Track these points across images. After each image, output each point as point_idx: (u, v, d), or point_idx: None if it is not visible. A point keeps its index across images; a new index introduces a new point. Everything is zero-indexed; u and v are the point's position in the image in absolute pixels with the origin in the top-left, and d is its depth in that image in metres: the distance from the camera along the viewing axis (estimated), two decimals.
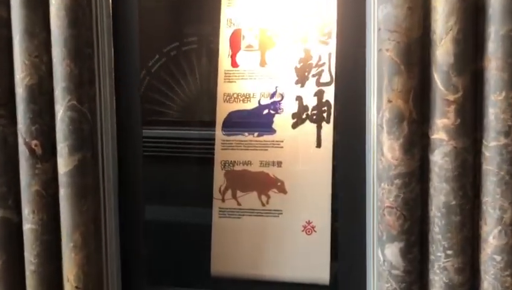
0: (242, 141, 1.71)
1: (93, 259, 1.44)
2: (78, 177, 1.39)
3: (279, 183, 1.68)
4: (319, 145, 1.65)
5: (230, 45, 1.73)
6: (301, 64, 1.66)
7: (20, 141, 1.41)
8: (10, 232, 1.45)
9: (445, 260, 1.19)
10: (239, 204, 1.72)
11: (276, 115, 1.68)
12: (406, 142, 1.18)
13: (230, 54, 1.73)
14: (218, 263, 1.72)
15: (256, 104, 1.70)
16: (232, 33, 1.73)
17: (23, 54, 1.37)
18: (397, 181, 1.19)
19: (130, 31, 1.46)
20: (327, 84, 1.64)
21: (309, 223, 1.66)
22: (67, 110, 1.37)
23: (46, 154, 1.41)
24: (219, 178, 1.73)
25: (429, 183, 1.20)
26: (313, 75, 1.65)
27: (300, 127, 1.67)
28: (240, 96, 1.72)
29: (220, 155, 1.73)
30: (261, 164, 1.69)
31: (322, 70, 1.64)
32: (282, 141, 1.68)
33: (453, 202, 1.17)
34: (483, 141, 1.16)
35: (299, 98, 1.67)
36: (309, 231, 1.66)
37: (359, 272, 1.37)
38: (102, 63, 1.43)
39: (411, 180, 1.19)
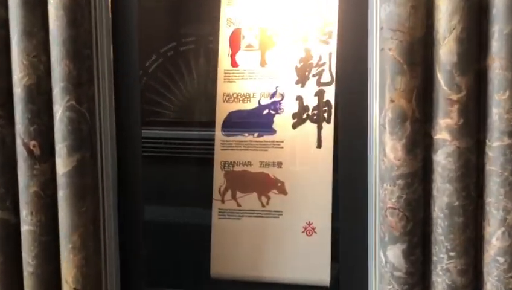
0: (242, 141, 1.71)
1: (92, 260, 1.43)
2: (77, 177, 1.39)
3: (279, 184, 1.68)
4: (319, 145, 1.64)
5: (230, 45, 1.72)
6: (301, 64, 1.66)
7: (18, 141, 1.40)
8: (8, 233, 1.44)
9: (448, 262, 1.19)
10: (239, 205, 1.71)
11: (277, 115, 1.68)
12: (409, 143, 1.17)
13: (230, 53, 1.72)
14: (217, 265, 1.71)
15: (256, 104, 1.70)
16: (232, 33, 1.72)
17: (21, 54, 1.36)
18: (400, 182, 1.19)
19: (129, 30, 1.45)
20: (328, 84, 1.64)
21: (309, 224, 1.66)
22: (66, 110, 1.36)
23: (45, 155, 1.40)
24: (219, 179, 1.73)
25: (432, 184, 1.19)
26: (314, 75, 1.65)
27: (301, 127, 1.66)
28: (239, 97, 1.71)
29: (220, 156, 1.72)
30: (261, 164, 1.69)
31: (323, 70, 1.64)
32: (282, 142, 1.68)
33: (456, 203, 1.17)
34: (487, 141, 1.15)
35: (299, 98, 1.66)
36: (309, 232, 1.66)
37: (360, 273, 1.36)
38: (101, 63, 1.43)
39: (414, 181, 1.19)
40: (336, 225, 1.56)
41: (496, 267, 1.16)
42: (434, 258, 1.21)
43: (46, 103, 1.38)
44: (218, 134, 1.72)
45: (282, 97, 1.68)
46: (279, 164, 1.68)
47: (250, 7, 1.72)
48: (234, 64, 1.72)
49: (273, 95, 1.68)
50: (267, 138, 1.68)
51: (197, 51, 2.02)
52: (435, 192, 1.19)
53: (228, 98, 1.72)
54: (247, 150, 1.70)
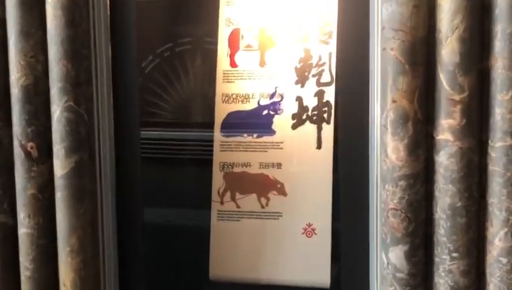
0: (241, 142, 1.70)
1: (90, 264, 1.42)
2: (75, 179, 1.38)
3: (279, 185, 1.67)
4: (319, 146, 1.64)
5: (229, 45, 1.71)
6: (301, 64, 1.65)
7: (16, 143, 1.39)
8: (5, 236, 1.43)
9: (450, 263, 1.18)
10: (238, 206, 1.70)
11: (276, 116, 1.67)
12: (411, 143, 1.17)
13: (229, 53, 1.71)
14: (216, 267, 1.70)
15: (256, 105, 1.69)
16: (231, 33, 1.71)
17: (18, 54, 1.35)
18: (402, 183, 1.18)
19: (128, 30, 1.45)
20: (327, 84, 1.63)
21: (309, 225, 1.65)
22: (63, 111, 1.35)
23: (42, 157, 1.39)
24: (218, 180, 1.72)
25: (434, 184, 1.19)
26: (313, 75, 1.64)
27: (301, 128, 1.65)
28: (238, 97, 1.70)
29: (219, 157, 1.72)
30: (260, 165, 1.68)
31: (323, 70, 1.63)
32: (282, 142, 1.67)
33: (459, 204, 1.16)
34: (489, 142, 1.15)
35: (299, 99, 1.65)
36: (309, 234, 1.65)
37: (362, 275, 1.35)
38: (99, 63, 1.42)
39: (416, 182, 1.18)
40: (337, 226, 1.56)
41: (499, 268, 1.15)
42: (436, 260, 1.20)
43: (43, 103, 1.37)
44: (217, 135, 1.71)
45: (282, 98, 1.67)
46: (279, 165, 1.67)
47: (249, 7, 1.71)
48: (233, 64, 1.71)
49: (272, 96, 1.68)
50: (266, 138, 1.68)
51: (197, 51, 2.01)
52: (437, 193, 1.18)
53: (227, 98, 1.71)
54: (247, 151, 1.69)
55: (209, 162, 1.73)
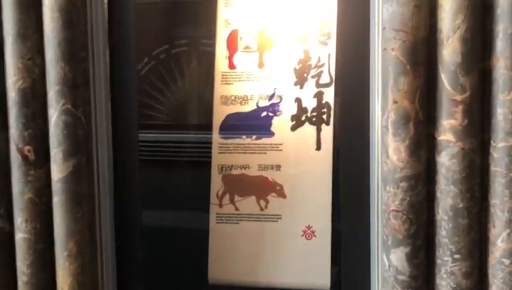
0: (240, 144, 1.69)
1: (88, 268, 1.42)
2: (72, 183, 1.37)
3: (278, 187, 1.66)
4: (318, 147, 1.63)
5: (227, 46, 1.70)
6: (300, 65, 1.64)
7: (13, 146, 1.38)
8: (2, 241, 1.42)
9: (452, 264, 1.18)
10: (237, 209, 1.69)
11: (275, 118, 1.66)
12: (412, 144, 1.16)
13: (227, 55, 1.70)
14: (215, 270, 1.69)
15: (254, 107, 1.68)
16: (229, 34, 1.70)
17: (15, 57, 1.34)
18: (403, 184, 1.18)
19: (126, 32, 1.44)
20: (327, 85, 1.62)
21: (309, 227, 1.64)
22: (61, 114, 1.35)
23: (40, 160, 1.38)
24: (216, 182, 1.70)
25: (436, 185, 1.19)
26: (312, 76, 1.63)
27: (300, 130, 1.64)
28: (237, 99, 1.69)
29: (217, 159, 1.70)
30: (259, 167, 1.67)
31: (322, 71, 1.62)
32: (281, 144, 1.66)
33: (461, 205, 1.16)
34: (491, 142, 1.14)
35: (298, 100, 1.64)
36: (309, 236, 1.64)
37: (363, 277, 1.35)
38: (97, 66, 1.41)
39: (417, 183, 1.18)
40: (337, 228, 1.55)
41: (501, 270, 1.15)
42: (438, 261, 1.20)
43: (41, 106, 1.37)
44: (216, 137, 1.70)
45: (281, 99, 1.66)
46: (278, 167, 1.66)
47: (247, 8, 1.70)
48: (231, 66, 1.70)
49: (271, 97, 1.66)
50: (265, 140, 1.66)
51: (196, 52, 2.00)
52: (438, 194, 1.18)
53: (225, 100, 1.70)
54: (245, 153, 1.68)
55: (207, 165, 1.72)
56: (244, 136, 1.68)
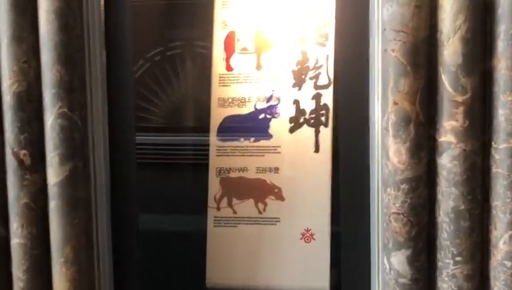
0: (238, 146, 1.69)
1: (85, 273, 1.40)
2: (69, 188, 1.36)
3: (276, 190, 1.66)
4: (317, 150, 1.63)
5: (224, 48, 1.70)
6: (298, 66, 1.64)
7: (8, 151, 1.37)
8: None
9: (453, 267, 1.17)
10: (235, 212, 1.69)
11: (273, 120, 1.66)
12: (413, 146, 1.16)
13: (224, 57, 1.70)
14: (213, 274, 1.69)
15: (252, 109, 1.68)
16: (227, 35, 1.70)
17: (10, 60, 1.33)
18: (404, 186, 1.17)
19: (122, 35, 1.43)
20: (325, 86, 1.62)
21: (308, 230, 1.64)
22: (57, 117, 1.33)
23: (36, 165, 1.37)
24: (214, 185, 1.70)
25: (437, 187, 1.18)
26: (311, 78, 1.63)
27: (298, 132, 1.64)
28: (235, 101, 1.69)
29: (215, 162, 1.70)
30: (257, 170, 1.67)
31: (320, 73, 1.63)
32: (279, 146, 1.66)
33: (462, 207, 1.15)
34: (493, 143, 1.14)
35: (296, 102, 1.64)
36: (308, 239, 1.64)
37: (363, 281, 1.34)
38: (93, 69, 1.40)
39: (418, 185, 1.17)
40: (336, 230, 1.55)
41: (503, 272, 1.15)
42: (439, 264, 1.19)
43: (36, 110, 1.35)
44: (213, 139, 1.70)
45: (279, 101, 1.66)
46: (276, 170, 1.66)
47: (245, 9, 1.70)
48: (229, 68, 1.70)
49: (269, 99, 1.66)
50: (263, 143, 1.66)
51: (193, 54, 2.00)
52: (440, 196, 1.18)
53: (223, 102, 1.69)
54: (243, 155, 1.68)
55: (205, 167, 1.71)
56: (242, 139, 1.68)
